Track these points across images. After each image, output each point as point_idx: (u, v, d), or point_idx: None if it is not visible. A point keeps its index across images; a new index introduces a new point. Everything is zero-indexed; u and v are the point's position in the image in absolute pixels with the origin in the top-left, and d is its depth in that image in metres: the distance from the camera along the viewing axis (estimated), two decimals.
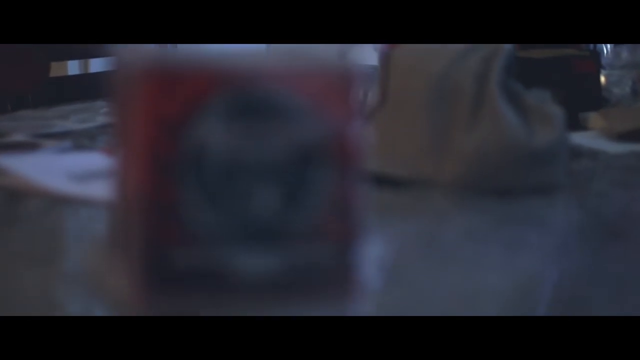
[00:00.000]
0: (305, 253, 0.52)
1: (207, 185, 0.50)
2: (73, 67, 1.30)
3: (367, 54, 0.92)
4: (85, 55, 1.32)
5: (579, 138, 0.89)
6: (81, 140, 0.89)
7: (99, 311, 0.51)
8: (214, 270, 0.51)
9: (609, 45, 1.08)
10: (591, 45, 1.05)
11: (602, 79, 1.04)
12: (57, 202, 0.69)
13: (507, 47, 0.77)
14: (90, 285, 0.54)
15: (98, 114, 1.01)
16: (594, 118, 0.98)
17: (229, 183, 0.51)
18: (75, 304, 0.51)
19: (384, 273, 0.55)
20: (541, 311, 0.52)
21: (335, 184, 0.52)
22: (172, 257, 0.51)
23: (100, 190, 0.73)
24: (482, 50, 0.77)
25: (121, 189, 0.53)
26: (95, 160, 0.82)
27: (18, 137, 0.88)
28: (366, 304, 0.52)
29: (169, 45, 1.10)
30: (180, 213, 0.50)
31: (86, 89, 1.17)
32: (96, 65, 1.31)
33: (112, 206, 0.54)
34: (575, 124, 0.91)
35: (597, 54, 1.04)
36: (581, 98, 0.99)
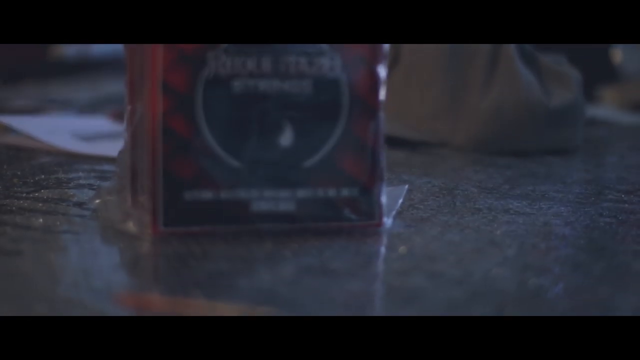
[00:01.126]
0: (323, 192, 0.50)
1: (223, 120, 0.49)
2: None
3: None
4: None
5: (593, 110, 0.87)
6: (85, 108, 0.87)
7: (108, 254, 0.49)
8: (229, 207, 0.49)
9: None
10: None
11: (616, 54, 1.03)
12: (63, 159, 0.67)
13: None
14: (101, 225, 0.52)
15: (100, 86, 1.00)
16: (608, 92, 0.97)
17: (246, 118, 0.49)
18: (82, 246, 0.49)
19: (405, 219, 0.54)
20: (559, 255, 0.50)
21: (357, 124, 0.50)
22: (187, 193, 0.49)
23: (105, 149, 0.72)
24: None
25: (136, 125, 0.51)
26: (100, 123, 0.80)
27: (22, 102, 0.86)
28: (385, 245, 0.51)
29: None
30: (196, 148, 0.48)
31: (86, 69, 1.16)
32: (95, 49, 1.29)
33: (126, 145, 0.52)
34: (590, 98, 0.90)
35: None
36: (595, 73, 0.98)
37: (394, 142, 0.72)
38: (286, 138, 0.49)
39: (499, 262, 0.48)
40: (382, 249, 0.51)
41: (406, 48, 0.75)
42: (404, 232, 0.52)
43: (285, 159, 0.49)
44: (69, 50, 1.24)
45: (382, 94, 0.50)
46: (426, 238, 0.52)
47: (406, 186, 0.55)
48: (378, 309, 0.42)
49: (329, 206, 0.50)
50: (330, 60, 0.48)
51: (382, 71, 0.50)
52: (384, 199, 0.51)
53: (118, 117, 0.80)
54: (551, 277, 0.46)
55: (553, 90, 0.73)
